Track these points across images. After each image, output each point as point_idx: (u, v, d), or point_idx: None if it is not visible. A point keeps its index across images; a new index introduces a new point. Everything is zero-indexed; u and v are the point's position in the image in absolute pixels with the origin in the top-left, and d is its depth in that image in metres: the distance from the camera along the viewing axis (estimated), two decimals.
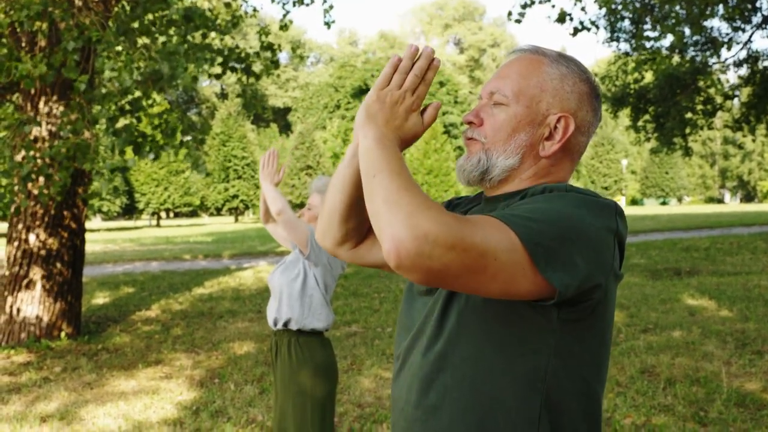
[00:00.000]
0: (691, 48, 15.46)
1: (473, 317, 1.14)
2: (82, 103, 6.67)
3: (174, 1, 7.46)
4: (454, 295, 1.16)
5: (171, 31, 7.29)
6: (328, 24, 9.59)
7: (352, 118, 58.86)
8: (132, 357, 6.34)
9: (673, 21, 12.98)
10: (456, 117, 57.22)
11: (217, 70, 7.85)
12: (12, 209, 7.02)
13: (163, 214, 52.81)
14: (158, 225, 45.05)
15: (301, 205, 45.11)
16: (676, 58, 16.06)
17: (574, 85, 1.22)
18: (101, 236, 30.11)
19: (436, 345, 1.17)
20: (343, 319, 7.89)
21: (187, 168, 43.54)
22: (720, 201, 70.83)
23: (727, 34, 15.16)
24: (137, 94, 7.25)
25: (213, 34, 7.65)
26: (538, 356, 1.11)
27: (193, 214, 62.15)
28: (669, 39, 14.57)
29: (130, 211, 46.33)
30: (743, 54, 23.39)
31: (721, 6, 13.68)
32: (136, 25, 7.31)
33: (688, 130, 16.69)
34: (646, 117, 17.20)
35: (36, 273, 7.06)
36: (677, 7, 13.05)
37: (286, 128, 69.87)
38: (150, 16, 7.36)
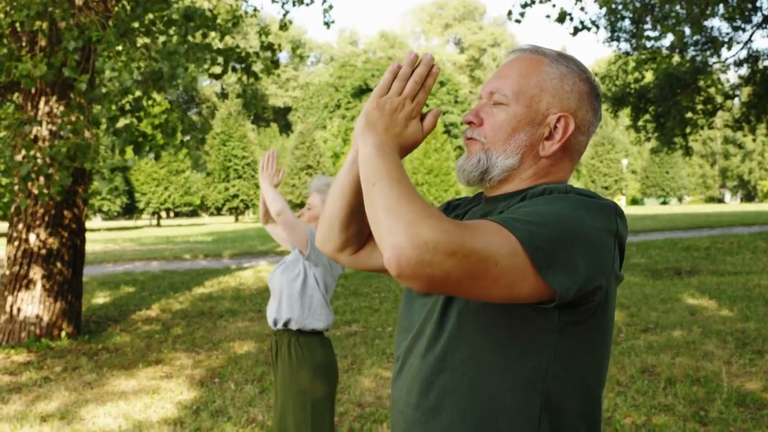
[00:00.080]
0: (692, 48, 15.45)
1: (473, 319, 1.13)
2: (83, 102, 6.67)
3: (174, 0, 7.46)
4: (453, 296, 1.16)
5: (171, 31, 7.28)
6: (327, 24, 9.59)
7: (352, 117, 58.87)
8: (132, 356, 6.34)
9: (674, 20, 12.98)
10: (456, 117, 57.19)
11: (217, 70, 7.85)
12: (12, 209, 7.02)
13: (163, 214, 52.83)
14: (158, 225, 45.06)
15: (301, 205, 45.10)
16: (676, 58, 16.05)
17: (573, 84, 1.22)
18: (101, 236, 30.11)
19: (436, 346, 1.17)
20: (343, 318, 7.89)
21: (188, 168, 43.58)
22: (720, 201, 70.82)
23: (728, 34, 15.15)
24: (137, 93, 7.25)
25: (213, 34, 7.64)
26: (539, 358, 1.10)
27: (193, 213, 62.18)
28: (669, 38, 14.59)
29: (130, 210, 46.34)
30: (743, 53, 23.36)
31: (721, 5, 13.68)
32: (136, 24, 7.31)
33: (688, 130, 16.69)
34: (647, 117, 17.20)
35: (36, 272, 7.06)
36: (677, 7, 13.05)
37: (286, 128, 69.87)
38: (150, 16, 7.36)
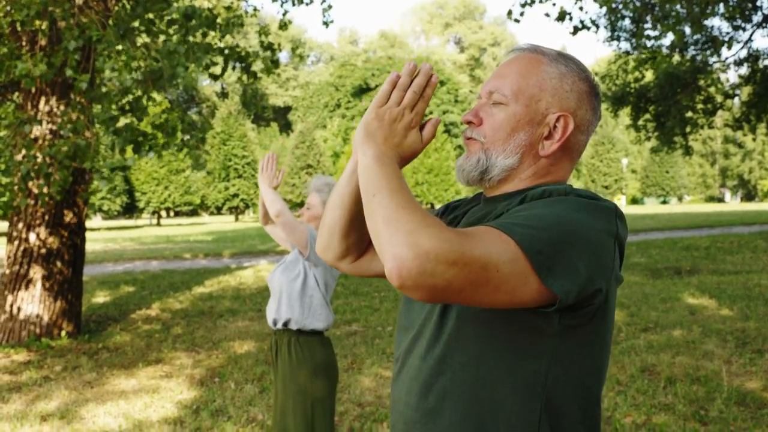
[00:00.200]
0: (692, 47, 15.45)
1: (473, 321, 1.13)
2: (83, 102, 6.67)
3: (174, 0, 7.46)
4: None
5: (171, 31, 7.28)
6: (326, 23, 9.60)
7: (352, 117, 58.85)
8: (132, 356, 6.34)
9: (674, 20, 12.97)
10: (456, 116, 57.17)
11: (217, 70, 7.85)
12: (15, 203, 7.02)
13: (163, 213, 52.82)
14: (158, 224, 45.06)
15: (302, 204, 45.10)
16: (676, 57, 16.05)
17: (573, 83, 1.21)
18: (102, 235, 30.11)
19: (435, 348, 1.17)
20: (343, 318, 7.89)
21: (188, 167, 43.61)
22: (720, 200, 70.81)
23: (728, 33, 15.15)
24: (138, 93, 7.25)
25: (213, 33, 7.64)
26: (539, 361, 1.10)
27: (193, 213, 62.18)
28: (669, 38, 14.58)
29: (130, 210, 46.33)
30: (744, 53, 23.37)
31: (721, 5, 13.67)
32: (136, 24, 7.30)
33: (688, 129, 16.69)
34: (647, 116, 17.20)
35: (36, 272, 7.06)
36: (678, 6, 13.04)
37: (286, 127, 69.85)
38: (150, 15, 7.36)
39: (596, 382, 1.16)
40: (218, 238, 24.42)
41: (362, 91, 59.66)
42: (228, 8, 7.87)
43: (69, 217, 7.25)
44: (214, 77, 7.64)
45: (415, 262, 0.93)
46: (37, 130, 6.87)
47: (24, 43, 6.89)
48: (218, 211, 53.02)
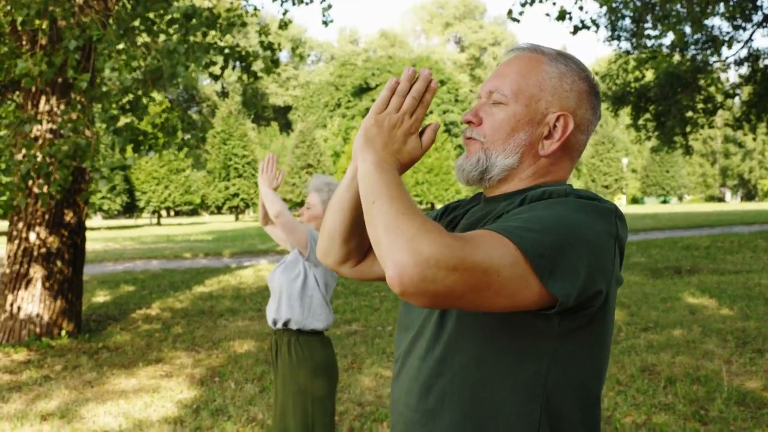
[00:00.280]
0: (692, 46, 15.43)
1: (473, 322, 1.13)
2: (83, 101, 6.67)
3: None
4: None
5: (171, 30, 7.28)
6: (325, 23, 9.60)
7: (352, 116, 58.84)
8: (132, 355, 6.34)
9: (674, 19, 12.97)
10: (456, 116, 57.16)
11: (217, 70, 7.85)
12: (14, 204, 7.02)
13: (163, 213, 52.82)
14: (159, 223, 45.07)
15: (302, 204, 45.07)
16: (676, 57, 16.04)
17: (573, 83, 1.21)
18: (102, 235, 30.12)
19: (435, 349, 1.17)
20: (343, 317, 7.89)
21: (188, 166, 43.62)
22: (720, 199, 70.81)
23: (728, 33, 15.13)
24: (138, 92, 7.25)
25: (213, 33, 7.64)
26: (539, 363, 1.10)
27: (193, 212, 62.19)
28: (670, 37, 14.56)
29: (130, 209, 46.34)
30: (744, 52, 23.37)
31: (721, 4, 13.67)
32: (137, 23, 7.30)
33: (688, 129, 16.68)
34: (647, 115, 17.19)
35: (36, 271, 7.06)
36: (678, 6, 13.04)
37: (286, 127, 69.86)
38: (151, 15, 7.36)
39: (596, 382, 1.16)
40: (218, 238, 24.42)
41: (362, 90, 59.65)
42: (228, 10, 7.87)
43: (69, 216, 7.25)
44: (215, 77, 7.64)
45: (416, 269, 0.93)
46: (37, 130, 6.87)
47: (24, 43, 6.89)
48: (218, 210, 53.03)
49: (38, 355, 6.44)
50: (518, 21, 10.87)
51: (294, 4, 9.26)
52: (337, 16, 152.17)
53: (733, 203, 59.43)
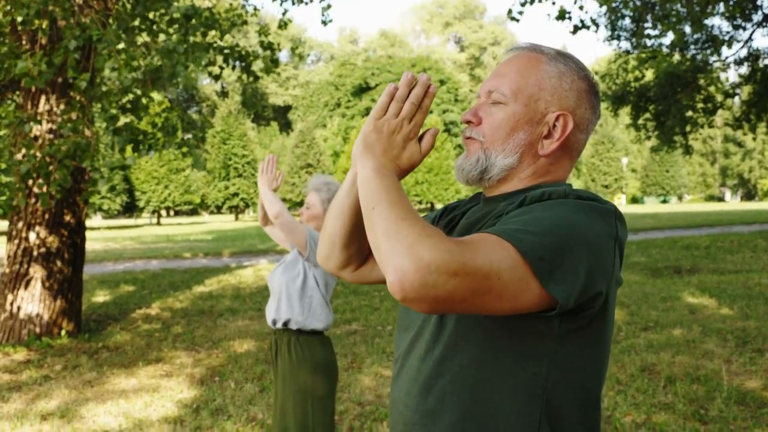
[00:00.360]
0: (692, 46, 15.44)
1: (473, 323, 1.13)
2: (83, 101, 6.67)
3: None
4: None
5: (171, 30, 7.28)
6: (324, 22, 9.60)
7: (352, 116, 58.85)
8: (132, 355, 6.34)
9: (674, 19, 12.97)
10: (456, 115, 57.16)
11: (217, 70, 7.86)
12: (14, 204, 7.02)
13: (163, 213, 52.80)
14: (158, 223, 45.06)
15: (302, 203, 45.06)
16: (676, 57, 16.05)
17: (572, 82, 1.21)
18: (102, 234, 30.12)
19: (435, 350, 1.17)
20: (343, 317, 7.89)
21: (188, 166, 43.62)
22: (720, 199, 70.80)
23: (728, 32, 15.14)
24: (138, 92, 7.25)
25: (213, 33, 7.64)
26: (539, 364, 1.10)
27: (193, 212, 62.17)
28: (670, 37, 14.58)
29: (130, 209, 46.35)
30: (744, 52, 23.38)
31: (721, 4, 13.67)
32: (137, 23, 7.30)
33: (688, 129, 16.68)
34: (647, 115, 17.19)
35: (36, 271, 7.06)
36: (678, 5, 13.04)
37: (286, 126, 69.87)
38: (151, 15, 7.36)
39: (596, 383, 1.16)
40: (218, 238, 24.43)
41: (362, 90, 59.66)
42: (228, 10, 7.87)
43: (69, 216, 7.25)
44: (215, 77, 7.64)
45: (416, 275, 0.93)
46: (37, 129, 6.87)
47: (24, 42, 6.89)
48: (218, 210, 53.03)
49: (38, 355, 6.44)
50: (518, 20, 10.87)
51: (294, 3, 9.26)
52: (336, 16, 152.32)
53: (733, 203, 59.43)
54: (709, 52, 15.17)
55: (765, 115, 16.33)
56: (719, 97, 16.55)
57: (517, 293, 1.00)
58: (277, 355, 3.02)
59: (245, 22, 7.83)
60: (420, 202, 46.78)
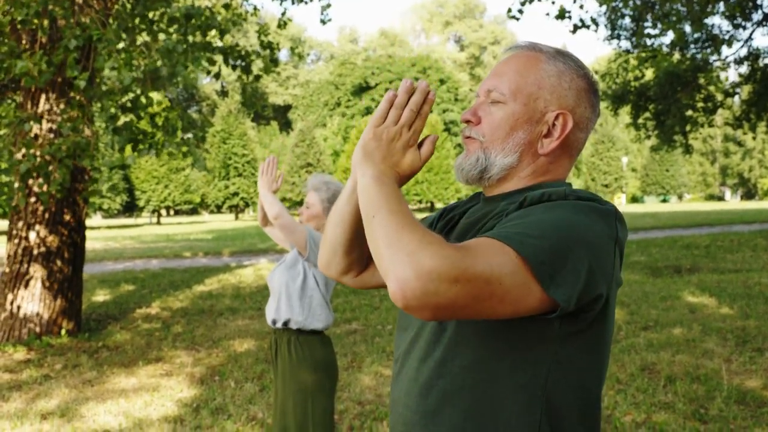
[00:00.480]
0: (692, 45, 15.43)
1: (473, 325, 1.13)
2: (83, 100, 6.67)
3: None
4: None
5: (171, 29, 7.28)
6: (323, 21, 9.59)
7: (352, 116, 58.87)
8: (132, 354, 6.35)
9: (674, 18, 12.97)
10: (456, 115, 57.16)
11: (215, 70, 7.86)
12: (13, 204, 7.02)
13: (163, 212, 52.81)
14: (158, 223, 45.08)
15: (301, 203, 45.08)
16: (676, 56, 16.04)
17: (571, 81, 1.21)
18: (102, 234, 30.11)
19: (435, 351, 1.17)
20: (343, 316, 7.89)
21: (188, 166, 43.62)
22: (720, 198, 70.78)
23: (728, 32, 15.13)
24: (137, 92, 7.25)
25: (213, 32, 7.64)
26: (539, 365, 1.10)
27: (193, 211, 62.17)
28: (670, 36, 14.58)
29: (130, 208, 46.37)
30: (744, 51, 23.37)
31: (721, 3, 13.66)
32: (137, 22, 7.30)
33: (688, 128, 16.68)
34: (647, 114, 17.19)
35: (36, 270, 7.06)
36: (678, 5, 13.04)
37: (286, 126, 69.87)
38: (150, 14, 7.35)
39: (596, 383, 1.16)
40: (218, 237, 24.42)
41: (362, 89, 59.67)
42: (226, 6, 7.86)
43: (69, 215, 7.25)
44: (215, 75, 7.64)
45: (418, 283, 0.93)
46: (36, 129, 6.87)
47: (24, 42, 6.89)
48: (218, 209, 53.05)
49: (38, 354, 6.44)
50: (518, 19, 10.87)
51: (293, 2, 9.26)
52: (336, 15, 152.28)
53: (733, 202, 59.42)
54: (709, 51, 15.16)
55: (765, 114, 16.33)
56: (719, 97, 16.55)
57: (519, 297, 1.00)
58: (277, 355, 3.02)
59: (236, 23, 7.82)
60: (420, 202, 46.81)
